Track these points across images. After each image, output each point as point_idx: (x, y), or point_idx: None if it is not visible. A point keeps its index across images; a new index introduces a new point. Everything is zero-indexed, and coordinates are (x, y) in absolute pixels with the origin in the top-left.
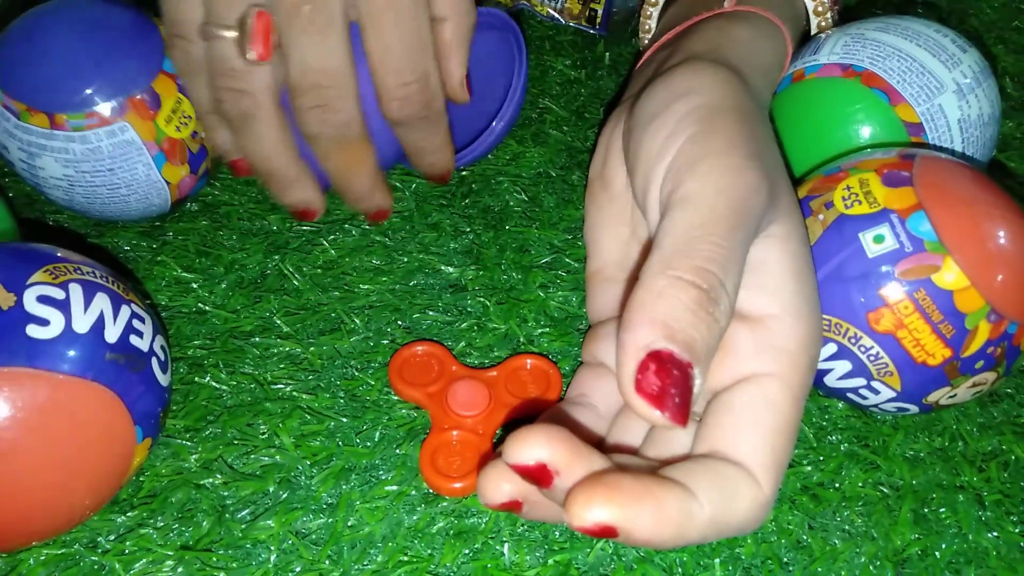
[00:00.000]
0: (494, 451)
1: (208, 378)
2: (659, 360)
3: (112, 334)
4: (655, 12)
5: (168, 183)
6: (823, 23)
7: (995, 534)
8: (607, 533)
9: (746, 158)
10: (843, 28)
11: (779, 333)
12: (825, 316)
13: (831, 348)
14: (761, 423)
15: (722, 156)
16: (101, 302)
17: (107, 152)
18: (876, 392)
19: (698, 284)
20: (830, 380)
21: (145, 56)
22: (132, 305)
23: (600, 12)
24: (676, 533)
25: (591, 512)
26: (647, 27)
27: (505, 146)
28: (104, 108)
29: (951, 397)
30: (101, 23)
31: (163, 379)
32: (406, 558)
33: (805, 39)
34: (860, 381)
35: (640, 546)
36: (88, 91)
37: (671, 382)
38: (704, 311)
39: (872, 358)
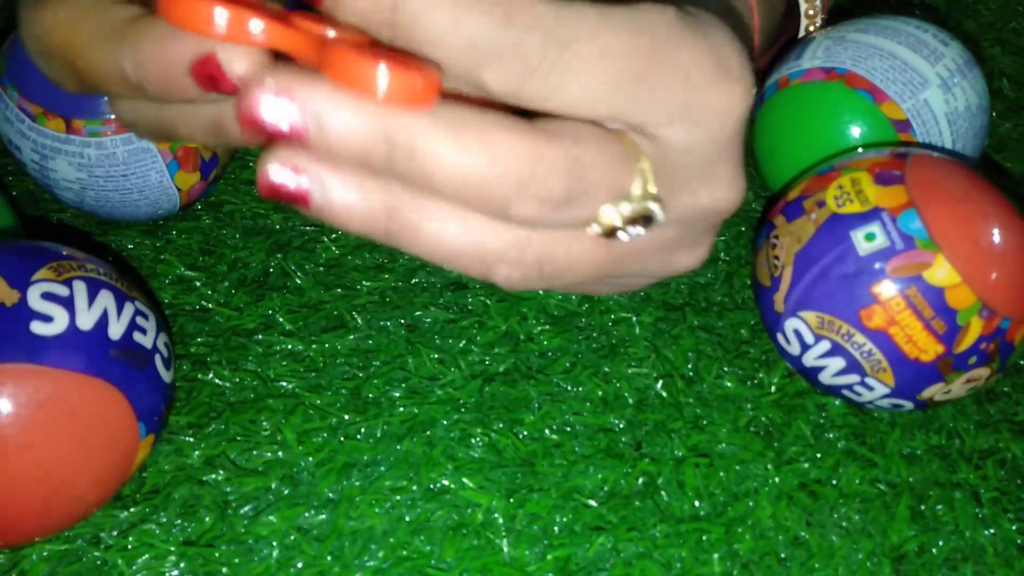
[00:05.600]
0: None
1: (211, 375)
2: None
3: (116, 331)
4: None
5: (179, 189)
6: (812, 27)
7: (992, 531)
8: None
9: None
10: (825, 32)
11: None
12: (818, 313)
13: (825, 345)
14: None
15: None
16: (105, 299)
17: (122, 158)
18: (870, 389)
19: None
20: (825, 377)
21: None
22: (135, 302)
23: None
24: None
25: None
26: None
27: None
28: None
29: (946, 393)
30: None
31: (166, 376)
32: (406, 553)
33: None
34: (854, 378)
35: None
36: (107, 97)
37: None
38: None
39: (865, 355)
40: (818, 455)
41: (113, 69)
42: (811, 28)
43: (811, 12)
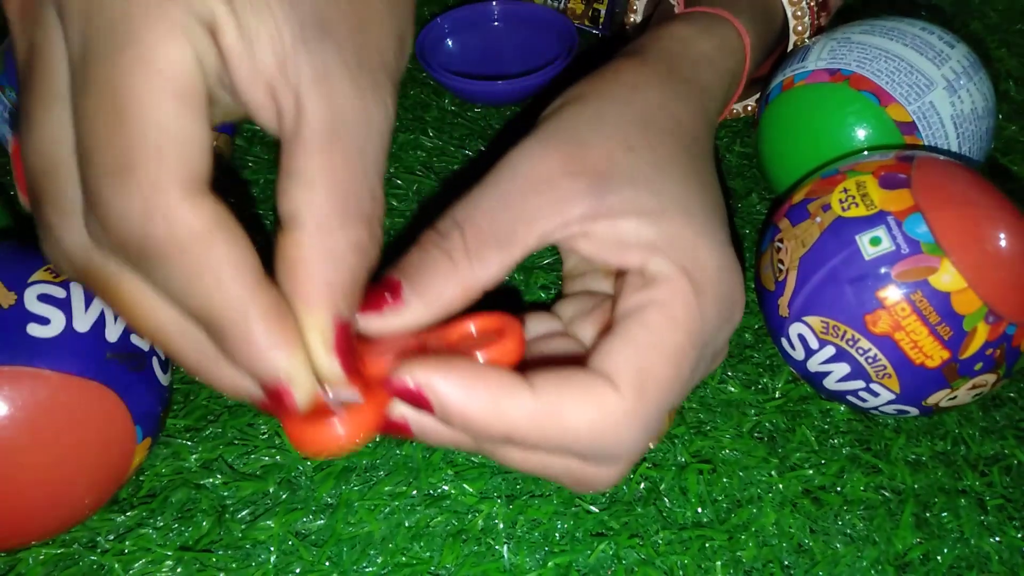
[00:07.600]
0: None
1: None
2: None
3: (113, 333)
4: (640, 6)
5: None
6: (800, 28)
7: (997, 539)
8: (418, 399)
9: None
10: (829, 33)
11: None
12: (823, 318)
13: (829, 351)
14: (630, 339)
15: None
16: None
17: None
18: (875, 394)
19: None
20: (829, 383)
21: None
22: None
23: (603, 12)
24: (492, 406)
25: (406, 372)
26: (630, 20)
27: (507, 146)
28: None
29: (951, 399)
30: None
31: (164, 379)
32: (405, 559)
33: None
34: (859, 383)
35: (460, 424)
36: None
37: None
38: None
39: (870, 360)
40: (822, 461)
41: (158, 333)
42: (802, 37)
43: (799, 28)
